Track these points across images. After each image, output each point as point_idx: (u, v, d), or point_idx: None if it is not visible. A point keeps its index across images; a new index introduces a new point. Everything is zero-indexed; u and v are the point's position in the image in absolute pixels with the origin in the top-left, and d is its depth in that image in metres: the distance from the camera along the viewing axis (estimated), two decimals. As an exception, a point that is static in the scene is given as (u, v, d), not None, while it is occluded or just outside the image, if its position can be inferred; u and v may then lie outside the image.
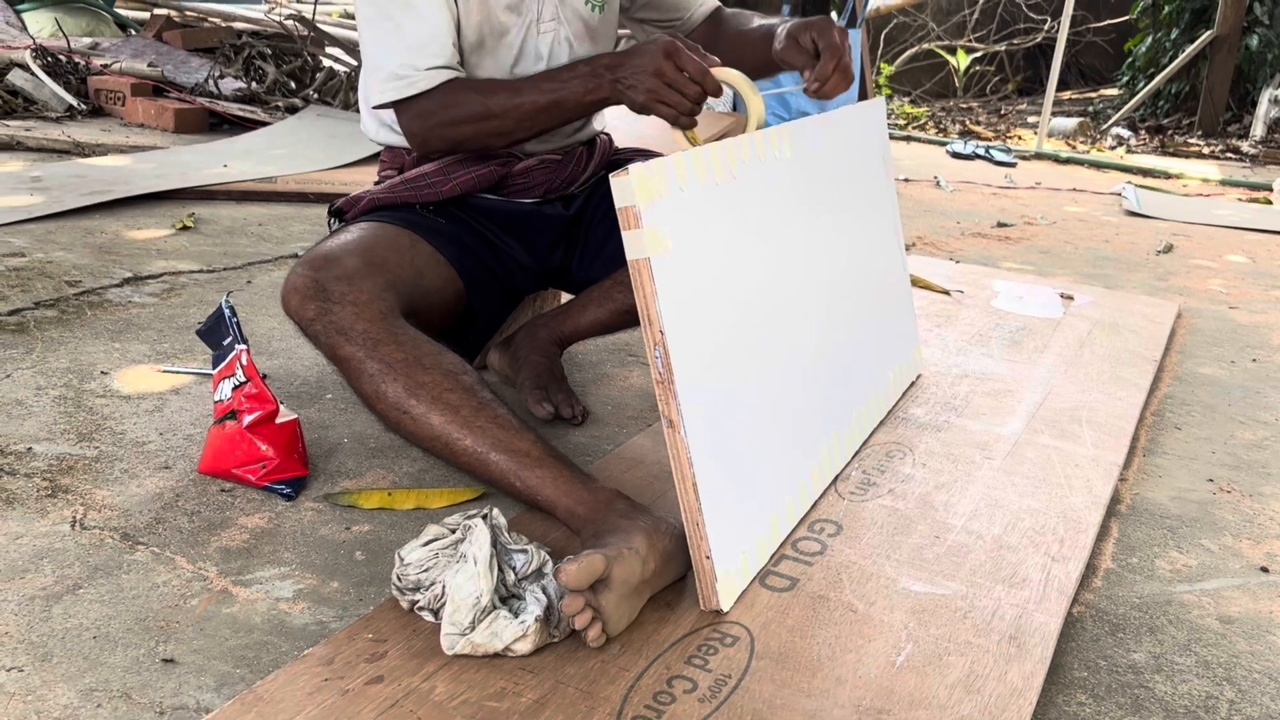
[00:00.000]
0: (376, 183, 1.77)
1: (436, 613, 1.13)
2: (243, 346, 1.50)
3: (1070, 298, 2.68)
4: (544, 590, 1.13)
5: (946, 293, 2.65)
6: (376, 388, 1.36)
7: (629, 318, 1.77)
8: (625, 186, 1.12)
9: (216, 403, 1.51)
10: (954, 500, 1.52)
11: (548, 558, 1.16)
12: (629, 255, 1.13)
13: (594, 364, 2.10)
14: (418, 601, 1.14)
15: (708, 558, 1.18)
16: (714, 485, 1.19)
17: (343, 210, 1.73)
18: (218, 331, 1.57)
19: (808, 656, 1.14)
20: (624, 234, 1.13)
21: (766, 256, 1.40)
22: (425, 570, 1.14)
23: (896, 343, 1.91)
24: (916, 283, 2.66)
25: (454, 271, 1.64)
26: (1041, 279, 2.94)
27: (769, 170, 1.44)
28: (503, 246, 1.77)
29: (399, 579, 1.16)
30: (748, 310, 1.33)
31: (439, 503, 1.46)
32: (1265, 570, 1.45)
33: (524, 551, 1.16)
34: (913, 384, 1.97)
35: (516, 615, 1.09)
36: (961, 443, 1.73)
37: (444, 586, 1.11)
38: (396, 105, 1.57)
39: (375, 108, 1.61)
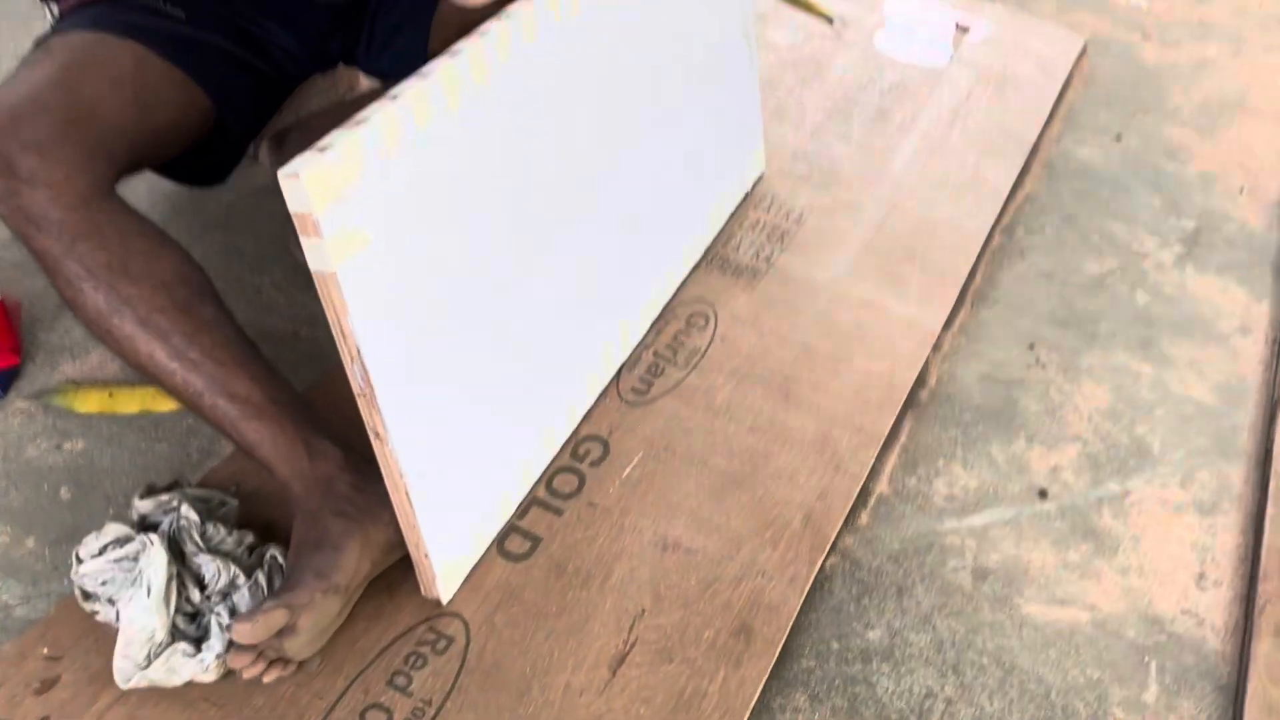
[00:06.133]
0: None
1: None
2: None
3: (966, 29, 2.40)
4: (232, 612, 1.05)
5: (830, 21, 2.34)
6: (75, 294, 1.16)
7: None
8: (297, 191, 0.89)
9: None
10: (735, 405, 1.42)
11: (239, 572, 1.07)
12: (311, 266, 0.93)
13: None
14: (97, 612, 1.06)
15: (426, 556, 1.10)
16: (430, 489, 1.07)
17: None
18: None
19: (518, 671, 1.10)
20: (303, 242, 0.92)
21: (533, 165, 1.17)
22: (102, 584, 1.04)
23: (731, 159, 1.70)
24: (797, 3, 2.34)
25: (197, 89, 1.37)
26: (947, -14, 2.60)
27: (545, 47, 1.16)
28: (260, 34, 1.46)
29: (76, 580, 1.06)
30: (489, 255, 1.13)
31: (167, 405, 1.32)
32: (1043, 495, 1.42)
33: (215, 559, 1.06)
34: (749, 193, 1.78)
35: (197, 648, 1.02)
36: (771, 301, 1.59)
37: (118, 612, 1.02)
38: None
39: None
